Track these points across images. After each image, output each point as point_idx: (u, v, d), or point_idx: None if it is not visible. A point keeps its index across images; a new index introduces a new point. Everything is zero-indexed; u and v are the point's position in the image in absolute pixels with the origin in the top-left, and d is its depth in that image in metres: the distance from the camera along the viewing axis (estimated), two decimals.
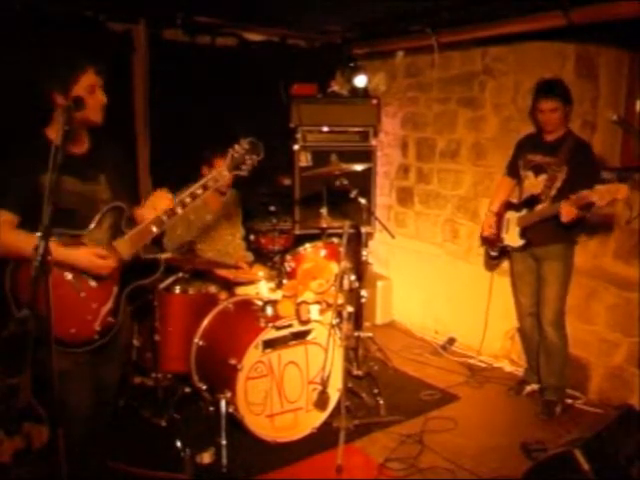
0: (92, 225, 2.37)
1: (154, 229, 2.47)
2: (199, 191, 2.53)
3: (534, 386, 3.97)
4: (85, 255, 2.31)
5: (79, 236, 2.34)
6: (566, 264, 3.66)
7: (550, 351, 3.72)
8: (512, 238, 3.80)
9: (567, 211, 3.33)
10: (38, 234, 1.89)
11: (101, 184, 2.43)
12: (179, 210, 2.51)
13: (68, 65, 2.28)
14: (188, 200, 2.51)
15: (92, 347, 2.37)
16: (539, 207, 3.61)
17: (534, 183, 3.68)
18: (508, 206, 3.89)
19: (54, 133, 2.29)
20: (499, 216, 3.93)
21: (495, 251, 4.00)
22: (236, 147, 2.62)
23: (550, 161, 3.59)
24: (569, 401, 3.82)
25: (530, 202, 3.67)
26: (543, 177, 3.62)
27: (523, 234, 3.71)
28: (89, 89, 2.28)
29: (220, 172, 2.58)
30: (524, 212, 3.71)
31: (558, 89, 3.54)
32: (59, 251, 2.20)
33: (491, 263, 4.27)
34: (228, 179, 2.64)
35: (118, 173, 2.53)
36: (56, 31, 3.71)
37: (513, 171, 3.94)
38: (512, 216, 3.81)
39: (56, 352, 1.99)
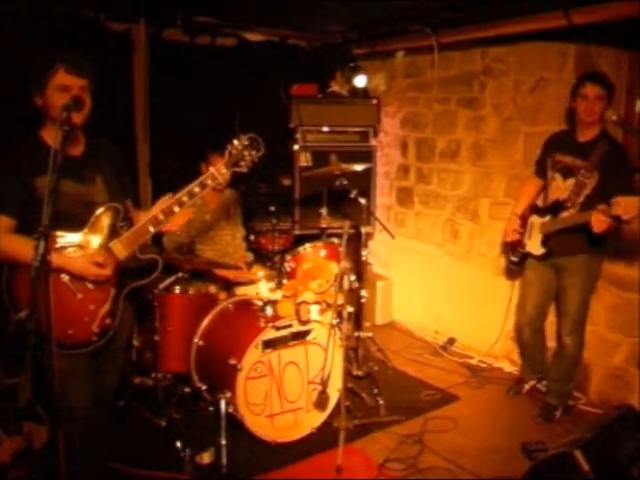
0: (87, 227, 2.36)
1: (151, 229, 2.45)
2: (197, 189, 2.49)
3: (532, 382, 3.95)
4: (81, 263, 2.30)
5: (75, 239, 2.33)
6: (590, 276, 3.48)
7: (565, 359, 3.62)
8: (534, 245, 3.59)
9: (599, 221, 3.04)
10: (36, 236, 1.89)
11: (97, 185, 2.42)
12: (176, 209, 2.47)
13: (39, 65, 2.25)
14: (185, 199, 2.47)
15: (90, 349, 2.37)
16: (564, 214, 3.39)
17: (561, 187, 3.45)
18: (533, 209, 3.68)
19: (48, 135, 2.30)
20: (523, 219, 3.69)
21: (516, 256, 3.74)
22: (235, 143, 2.55)
23: (580, 164, 3.34)
24: (570, 402, 3.81)
25: (555, 208, 3.45)
26: (571, 181, 3.38)
27: (545, 242, 3.50)
28: (61, 88, 2.23)
29: (218, 169, 2.53)
30: (548, 218, 3.49)
31: (605, 78, 3.33)
32: (55, 257, 2.19)
33: (511, 268, 3.98)
34: (227, 176, 2.61)
35: (115, 173, 2.51)
36: (56, 31, 3.72)
37: (541, 171, 3.68)
38: (536, 221, 3.58)
39: (55, 353, 1.98)
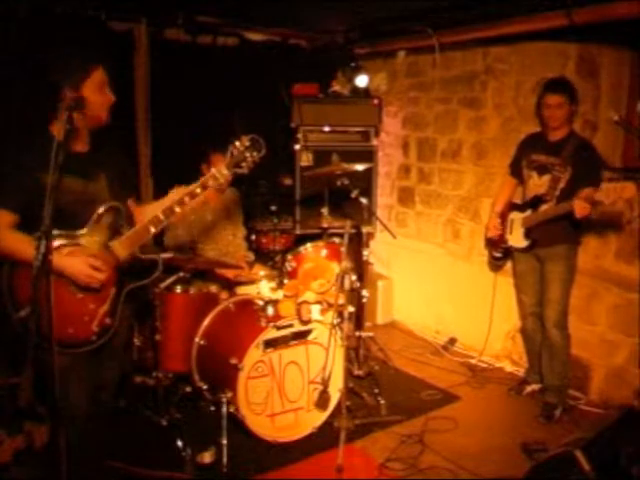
0: (89, 225, 2.35)
1: (152, 229, 2.46)
2: (198, 190, 2.50)
3: (535, 386, 3.97)
4: (78, 265, 2.29)
5: (76, 237, 2.32)
6: (569, 265, 3.66)
7: (553, 351, 3.72)
8: (516, 239, 3.79)
9: (581, 207, 3.27)
10: (38, 234, 1.89)
11: (101, 183, 2.42)
12: (177, 209, 2.47)
13: (80, 62, 2.30)
14: (187, 199, 2.47)
15: (89, 348, 2.37)
16: (544, 207, 3.61)
17: (538, 183, 3.68)
18: (511, 207, 3.88)
19: (59, 131, 2.29)
20: (502, 217, 3.92)
21: (499, 252, 3.98)
22: (236, 144, 2.56)
23: (554, 161, 3.59)
24: (570, 402, 3.81)
25: (534, 203, 3.67)
26: (547, 177, 3.62)
27: (527, 235, 3.71)
28: (99, 86, 2.31)
29: (219, 170, 2.53)
30: (528, 212, 3.71)
31: (565, 86, 3.59)
32: (54, 257, 2.18)
33: (494, 264, 4.26)
34: (228, 177, 2.61)
35: (118, 172, 2.52)
36: (58, 30, 3.72)
37: (516, 171, 3.93)
38: (516, 217, 3.80)
39: (56, 352, 1.98)
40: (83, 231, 2.35)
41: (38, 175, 2.20)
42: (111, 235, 2.41)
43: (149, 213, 2.53)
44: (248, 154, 2.56)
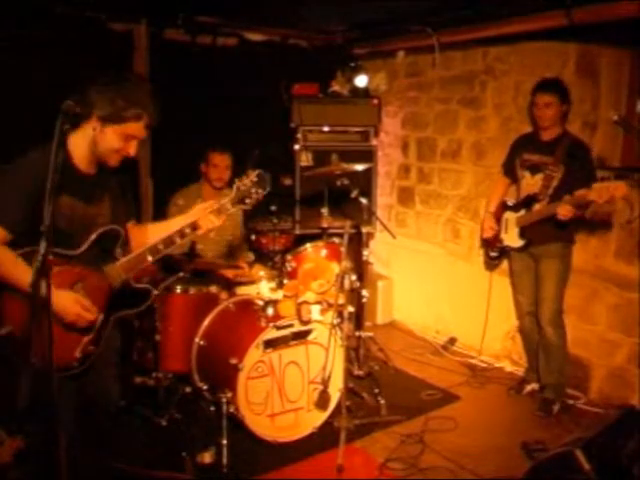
0: (84, 246, 2.23)
1: (149, 258, 2.36)
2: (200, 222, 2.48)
3: (534, 385, 3.97)
4: (67, 300, 2.14)
5: (69, 256, 2.20)
6: (564, 263, 3.69)
7: (549, 349, 3.73)
8: (511, 238, 3.82)
9: (564, 210, 3.36)
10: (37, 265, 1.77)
11: (105, 205, 2.33)
12: (178, 240, 2.40)
13: (121, 109, 2.17)
14: (188, 230, 2.43)
15: (69, 374, 2.24)
16: (537, 207, 3.64)
17: (531, 183, 3.72)
18: (504, 206, 3.91)
19: (74, 145, 2.19)
20: (497, 216, 3.96)
21: (495, 251, 4.02)
22: (243, 179, 2.51)
23: (547, 160, 3.62)
24: (570, 401, 3.82)
25: (528, 202, 3.70)
26: (540, 176, 3.66)
27: (522, 234, 3.74)
28: (124, 136, 2.20)
29: (224, 206, 2.48)
30: (522, 212, 3.74)
31: (555, 86, 3.61)
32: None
33: (491, 263, 4.27)
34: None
35: (121, 192, 2.43)
36: (58, 31, 3.72)
37: (509, 171, 3.97)
38: (510, 216, 3.83)
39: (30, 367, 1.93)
40: (77, 251, 2.22)
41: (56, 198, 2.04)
42: (105, 259, 2.29)
43: (150, 233, 2.49)
44: (254, 190, 2.49)
